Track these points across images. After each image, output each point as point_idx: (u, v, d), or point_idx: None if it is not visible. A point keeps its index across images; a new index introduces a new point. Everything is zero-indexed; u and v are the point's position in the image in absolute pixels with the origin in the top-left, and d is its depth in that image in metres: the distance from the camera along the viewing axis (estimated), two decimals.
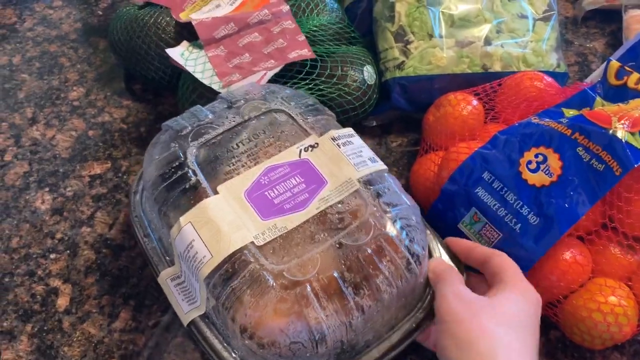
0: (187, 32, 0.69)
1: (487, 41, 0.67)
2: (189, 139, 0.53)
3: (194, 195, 0.48)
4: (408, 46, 0.66)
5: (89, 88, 0.77)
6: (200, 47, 0.67)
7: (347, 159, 0.50)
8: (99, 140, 0.71)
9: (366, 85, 0.67)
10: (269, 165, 0.50)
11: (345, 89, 0.66)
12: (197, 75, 0.64)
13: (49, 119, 0.73)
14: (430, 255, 0.51)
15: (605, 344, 0.51)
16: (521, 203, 0.51)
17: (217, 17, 0.67)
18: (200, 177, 0.49)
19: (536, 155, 0.53)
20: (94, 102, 0.75)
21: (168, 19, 0.70)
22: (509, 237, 0.51)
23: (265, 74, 0.65)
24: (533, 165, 0.53)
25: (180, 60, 0.66)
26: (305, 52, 0.66)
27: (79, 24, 0.85)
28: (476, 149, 0.56)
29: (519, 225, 0.51)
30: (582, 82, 0.68)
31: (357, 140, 0.53)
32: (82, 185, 0.67)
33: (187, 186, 0.49)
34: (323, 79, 0.66)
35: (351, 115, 0.67)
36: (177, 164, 0.50)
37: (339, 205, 0.47)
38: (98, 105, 0.75)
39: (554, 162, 0.52)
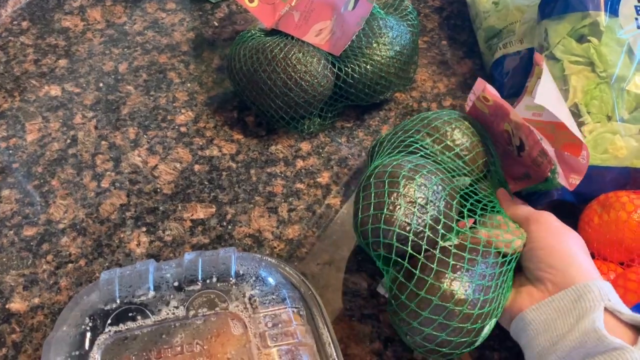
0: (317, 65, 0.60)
1: None
2: (108, 322, 0.45)
3: None
4: (582, 128, 0.56)
5: (198, 113, 0.69)
6: None
7: None
8: (205, 178, 0.64)
9: None
10: None
11: None
12: None
13: (153, 144, 0.66)
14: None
15: None
16: None
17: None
18: None
19: None
20: (202, 131, 0.68)
21: (300, 55, 0.61)
22: None
23: None
24: None
25: None
26: None
27: (192, 34, 0.78)
28: None
29: None
30: None
31: None
32: (182, 230, 0.60)
33: None
34: None
35: None
36: (77, 353, 0.43)
37: None
38: (207, 135, 0.67)
39: None
